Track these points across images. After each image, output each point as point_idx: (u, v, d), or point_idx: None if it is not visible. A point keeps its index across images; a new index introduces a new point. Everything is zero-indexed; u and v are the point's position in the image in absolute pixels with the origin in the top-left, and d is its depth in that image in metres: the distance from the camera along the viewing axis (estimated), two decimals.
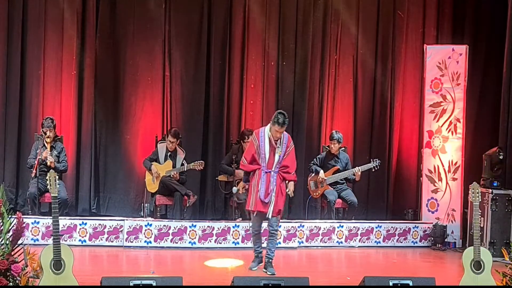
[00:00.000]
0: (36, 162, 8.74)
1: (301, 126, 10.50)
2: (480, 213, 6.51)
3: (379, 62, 10.81)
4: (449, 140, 10.07)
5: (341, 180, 9.68)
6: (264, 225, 7.86)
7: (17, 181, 9.81)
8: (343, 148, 9.90)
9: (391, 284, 6.02)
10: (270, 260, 7.59)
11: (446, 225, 9.81)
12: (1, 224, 5.69)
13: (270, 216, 7.51)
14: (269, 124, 7.54)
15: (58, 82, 9.98)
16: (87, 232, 8.82)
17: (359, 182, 9.91)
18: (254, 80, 10.50)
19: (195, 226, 9.03)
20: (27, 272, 5.63)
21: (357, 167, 9.60)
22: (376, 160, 9.70)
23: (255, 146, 7.53)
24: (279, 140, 7.48)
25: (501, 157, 9.25)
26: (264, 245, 7.78)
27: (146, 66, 10.19)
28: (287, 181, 7.65)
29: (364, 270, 7.84)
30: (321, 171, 9.56)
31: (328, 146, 9.83)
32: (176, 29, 10.27)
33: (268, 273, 7.48)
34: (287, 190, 7.66)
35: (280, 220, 8.00)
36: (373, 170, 9.78)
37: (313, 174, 9.69)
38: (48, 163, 8.74)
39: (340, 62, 10.72)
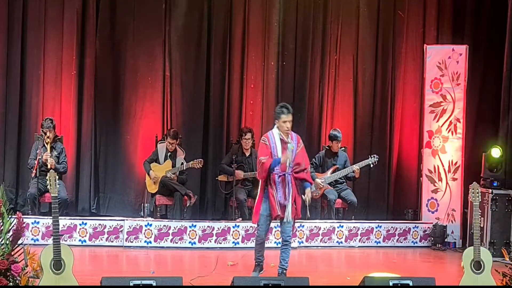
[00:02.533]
0: (36, 162, 8.75)
1: (301, 126, 10.49)
2: (480, 213, 6.50)
3: (379, 62, 10.82)
4: (449, 140, 10.08)
5: (341, 179, 9.68)
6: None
7: (17, 181, 9.80)
8: (342, 148, 9.91)
9: (391, 284, 6.02)
10: (285, 271, 7.20)
11: (446, 225, 9.81)
12: (1, 224, 5.69)
13: (288, 220, 7.07)
14: (274, 127, 7.24)
15: (58, 82, 9.98)
16: (87, 232, 8.82)
17: (359, 182, 9.90)
18: (254, 80, 10.50)
19: (195, 226, 9.03)
20: (27, 272, 5.63)
21: (355, 165, 9.58)
22: (374, 156, 9.65)
23: (269, 147, 7.10)
24: (288, 138, 7.12)
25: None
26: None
27: (146, 66, 10.19)
28: (302, 185, 7.21)
29: (364, 270, 7.83)
30: (317, 179, 9.47)
31: (329, 146, 9.83)
32: (176, 29, 10.27)
33: None
34: (304, 196, 7.18)
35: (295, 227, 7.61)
36: (371, 165, 9.71)
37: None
38: (49, 166, 8.73)
39: (340, 62, 10.72)
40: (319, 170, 9.77)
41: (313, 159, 9.78)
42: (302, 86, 10.59)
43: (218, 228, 9.08)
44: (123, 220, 8.96)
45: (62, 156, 9.14)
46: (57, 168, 8.76)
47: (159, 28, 10.20)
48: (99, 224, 8.87)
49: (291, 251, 7.32)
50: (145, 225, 8.90)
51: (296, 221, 7.37)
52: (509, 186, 9.26)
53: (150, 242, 8.88)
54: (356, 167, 9.53)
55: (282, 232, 7.26)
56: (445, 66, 10.09)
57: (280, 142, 7.13)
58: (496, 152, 9.34)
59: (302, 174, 7.18)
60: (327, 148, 9.84)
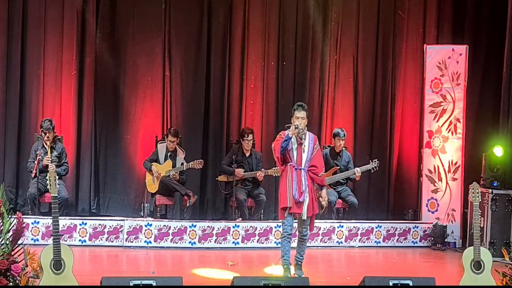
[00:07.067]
0: (35, 163, 8.73)
1: None
2: (480, 213, 6.51)
3: (379, 62, 10.81)
4: (449, 140, 10.08)
5: (342, 180, 9.68)
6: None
7: (17, 181, 9.80)
8: (344, 148, 9.90)
9: (391, 284, 6.02)
10: (300, 263, 7.44)
11: (446, 225, 9.81)
12: (1, 224, 5.69)
13: (305, 217, 7.24)
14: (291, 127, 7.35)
15: (58, 82, 9.97)
16: (87, 232, 8.82)
17: (360, 182, 9.90)
18: (254, 80, 10.49)
19: (195, 226, 9.03)
20: (27, 272, 5.63)
21: (357, 168, 9.58)
22: (375, 161, 9.68)
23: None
24: (304, 137, 7.29)
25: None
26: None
27: (146, 66, 10.19)
28: (316, 186, 7.46)
29: (364, 270, 7.84)
30: None
31: (329, 146, 9.82)
32: (176, 29, 10.27)
33: (297, 276, 7.30)
34: (320, 198, 7.43)
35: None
36: (372, 171, 9.76)
37: None
38: (50, 170, 8.69)
39: (340, 62, 10.72)
40: None
41: None
42: (302, 86, 10.58)
43: (218, 228, 9.08)
44: (123, 220, 8.96)
45: (63, 157, 9.12)
46: (58, 173, 8.66)
47: (159, 27, 10.20)
48: (99, 224, 8.87)
49: (291, 251, 7.37)
50: (145, 225, 8.90)
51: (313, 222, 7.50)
52: (509, 186, 9.25)
53: (150, 242, 8.88)
54: (357, 171, 9.50)
55: (298, 229, 7.42)
56: (445, 66, 10.09)
57: (295, 141, 7.27)
58: (498, 150, 9.34)
59: (316, 178, 7.35)
60: (331, 147, 9.82)
